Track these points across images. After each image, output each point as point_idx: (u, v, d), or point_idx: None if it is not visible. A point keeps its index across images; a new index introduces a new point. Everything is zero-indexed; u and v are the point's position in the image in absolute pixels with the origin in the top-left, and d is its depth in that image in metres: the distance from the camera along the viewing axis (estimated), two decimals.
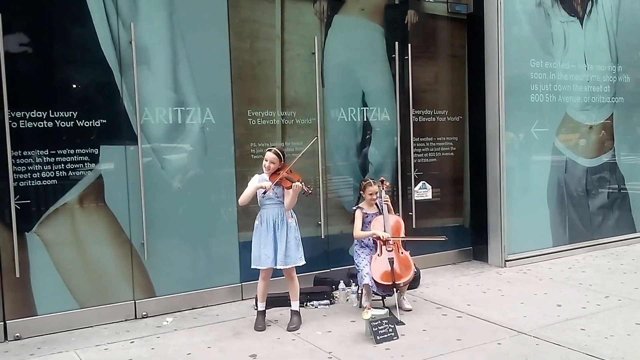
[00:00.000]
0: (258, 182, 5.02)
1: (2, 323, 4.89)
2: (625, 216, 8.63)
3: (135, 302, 5.44)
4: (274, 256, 5.00)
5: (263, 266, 5.03)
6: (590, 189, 8.20)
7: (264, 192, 4.92)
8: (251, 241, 5.09)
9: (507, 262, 7.22)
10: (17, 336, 4.92)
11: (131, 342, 4.84)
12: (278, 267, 5.03)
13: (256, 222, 5.09)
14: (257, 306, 5.21)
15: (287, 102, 6.18)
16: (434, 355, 4.40)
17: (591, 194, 8.22)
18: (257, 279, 5.12)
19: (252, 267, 5.08)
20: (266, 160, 5.01)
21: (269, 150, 5.07)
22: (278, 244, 5.01)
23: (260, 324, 5.11)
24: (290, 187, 4.96)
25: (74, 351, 4.66)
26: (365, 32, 6.70)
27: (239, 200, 5.07)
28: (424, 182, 7.10)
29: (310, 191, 5.03)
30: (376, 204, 5.54)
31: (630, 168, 8.66)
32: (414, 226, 6.81)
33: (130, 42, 5.25)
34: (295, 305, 5.21)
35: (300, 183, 4.92)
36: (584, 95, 8.08)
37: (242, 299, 5.91)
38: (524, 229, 7.47)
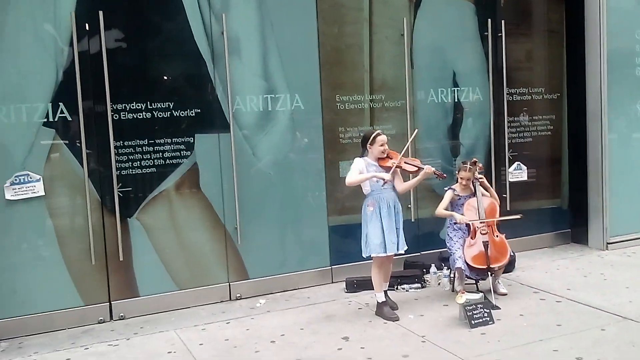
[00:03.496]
0: (364, 166, 4.84)
1: (108, 304, 5.19)
2: None
3: (229, 285, 5.62)
4: (397, 241, 4.89)
5: (389, 252, 4.83)
6: None
7: (384, 183, 4.74)
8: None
9: (609, 245, 6.89)
10: (122, 316, 5.21)
11: (227, 323, 5.02)
12: (399, 251, 4.92)
13: (370, 207, 4.84)
14: (376, 298, 4.98)
15: (376, 85, 6.13)
16: (532, 340, 4.27)
17: None
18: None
19: (373, 255, 4.84)
20: (383, 145, 4.83)
21: (378, 132, 4.88)
22: (398, 229, 4.91)
23: (392, 314, 4.91)
24: (416, 172, 4.89)
25: (174, 331, 4.88)
26: (456, 10, 6.52)
27: (348, 181, 4.81)
28: (519, 162, 6.86)
29: (444, 175, 4.98)
30: (472, 184, 5.39)
31: None
32: (508, 208, 6.59)
33: (222, 33, 5.37)
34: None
35: (431, 167, 4.87)
36: None
37: (332, 282, 5.96)
38: (627, 210, 7.07)
